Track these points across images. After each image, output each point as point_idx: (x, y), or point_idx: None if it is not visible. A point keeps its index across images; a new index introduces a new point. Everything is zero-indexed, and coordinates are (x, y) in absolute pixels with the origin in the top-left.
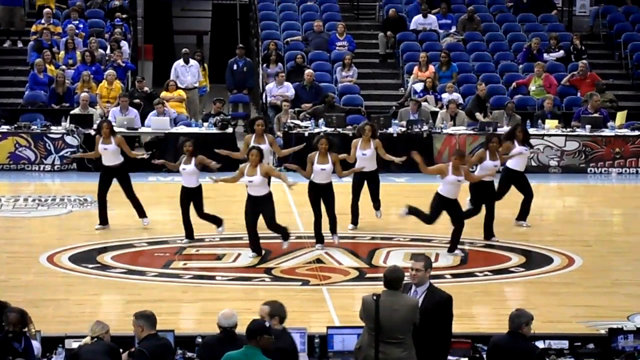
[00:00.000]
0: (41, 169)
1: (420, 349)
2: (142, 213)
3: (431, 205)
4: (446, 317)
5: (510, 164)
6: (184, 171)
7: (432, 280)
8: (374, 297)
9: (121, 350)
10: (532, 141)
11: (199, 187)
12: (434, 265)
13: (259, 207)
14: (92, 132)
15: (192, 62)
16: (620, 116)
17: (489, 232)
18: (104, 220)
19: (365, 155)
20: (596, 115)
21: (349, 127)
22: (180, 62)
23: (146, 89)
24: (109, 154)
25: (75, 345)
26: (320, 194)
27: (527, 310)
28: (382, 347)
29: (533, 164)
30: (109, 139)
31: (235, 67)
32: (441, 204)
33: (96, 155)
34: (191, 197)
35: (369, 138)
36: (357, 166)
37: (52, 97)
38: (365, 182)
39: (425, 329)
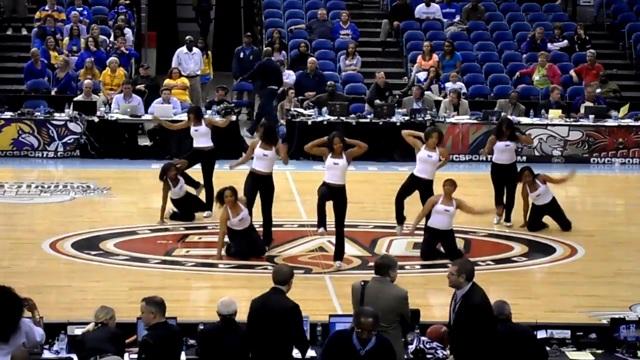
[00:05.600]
0: (44, 155)
1: (458, 352)
2: (207, 205)
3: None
4: (478, 324)
5: (495, 158)
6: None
7: (438, 270)
8: (362, 283)
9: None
10: (536, 131)
11: None
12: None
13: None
14: (96, 120)
15: (195, 49)
16: (623, 110)
17: None
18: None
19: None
20: (602, 105)
21: (352, 115)
22: (183, 49)
23: (148, 73)
24: (199, 135)
25: (77, 331)
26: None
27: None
28: None
29: (536, 153)
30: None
31: (242, 55)
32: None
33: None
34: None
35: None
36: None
37: (54, 81)
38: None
39: (461, 333)
